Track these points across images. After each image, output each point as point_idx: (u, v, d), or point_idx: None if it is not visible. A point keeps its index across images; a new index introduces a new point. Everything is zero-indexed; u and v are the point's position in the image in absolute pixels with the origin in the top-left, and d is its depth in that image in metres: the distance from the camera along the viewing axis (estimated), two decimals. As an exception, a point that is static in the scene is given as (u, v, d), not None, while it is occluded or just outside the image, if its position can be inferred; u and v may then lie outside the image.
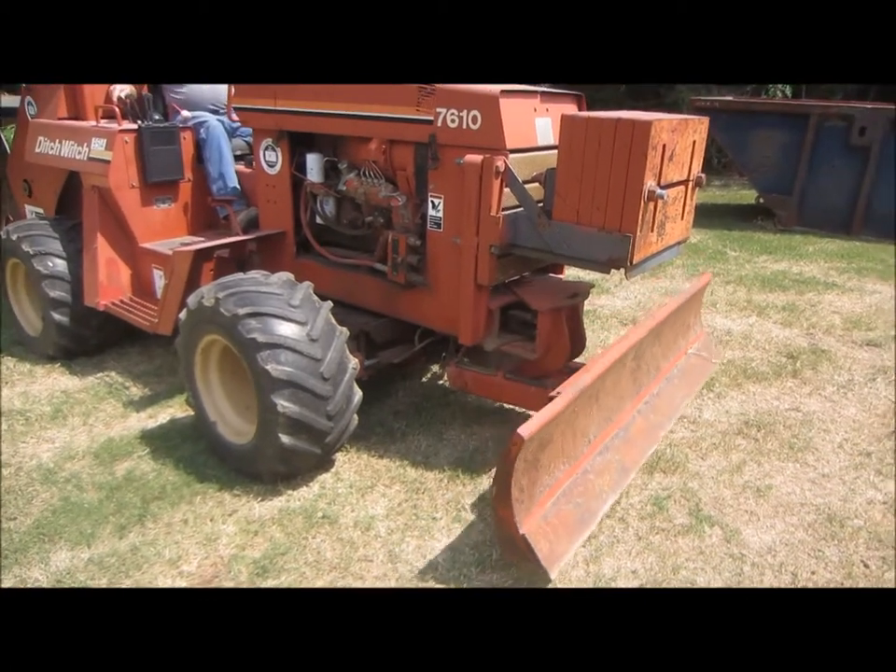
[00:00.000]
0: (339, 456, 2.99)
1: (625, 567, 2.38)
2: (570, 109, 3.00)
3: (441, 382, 3.78)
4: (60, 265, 3.79)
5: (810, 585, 2.33)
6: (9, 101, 5.41)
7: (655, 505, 2.71)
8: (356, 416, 2.81)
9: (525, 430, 1.99)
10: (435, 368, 3.90)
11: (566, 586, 2.29)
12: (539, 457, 2.17)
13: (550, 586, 2.27)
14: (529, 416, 3.37)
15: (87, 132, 3.67)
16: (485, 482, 2.84)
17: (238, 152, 4.00)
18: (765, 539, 2.55)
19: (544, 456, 2.21)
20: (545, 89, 2.88)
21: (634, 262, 2.39)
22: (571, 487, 2.38)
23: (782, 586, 2.33)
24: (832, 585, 2.32)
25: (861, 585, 2.33)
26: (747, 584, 2.32)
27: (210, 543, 2.47)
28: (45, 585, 2.26)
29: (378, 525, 2.58)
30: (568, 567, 2.36)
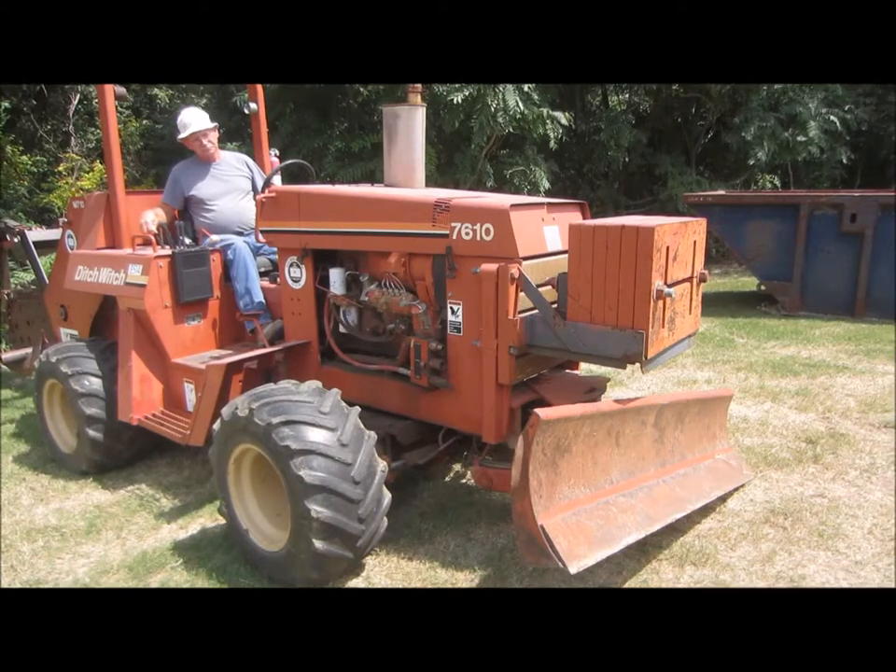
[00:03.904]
0: (369, 560, 3.01)
1: (665, 664, 2.35)
2: (575, 217, 3.21)
3: (463, 481, 3.82)
4: (96, 383, 3.96)
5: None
6: (43, 234, 5.75)
7: (689, 598, 2.70)
8: (385, 519, 2.85)
9: (542, 412, 2.07)
10: (457, 467, 3.95)
11: None
12: (557, 461, 2.22)
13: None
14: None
15: (124, 259, 3.93)
16: (516, 580, 2.84)
17: (262, 269, 4.24)
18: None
19: (563, 464, 2.27)
20: (550, 200, 3.11)
21: (648, 357, 2.51)
22: (592, 510, 2.42)
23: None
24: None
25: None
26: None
27: (246, 655, 2.46)
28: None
29: (412, 630, 2.57)
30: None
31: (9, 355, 5.66)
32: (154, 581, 2.94)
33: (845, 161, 11.58)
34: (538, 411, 2.11)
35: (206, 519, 3.47)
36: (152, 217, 4.16)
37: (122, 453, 4.08)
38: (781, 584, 2.77)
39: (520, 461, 2.14)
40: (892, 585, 2.75)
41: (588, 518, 2.37)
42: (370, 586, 2.84)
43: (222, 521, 3.13)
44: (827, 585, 2.76)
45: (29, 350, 5.58)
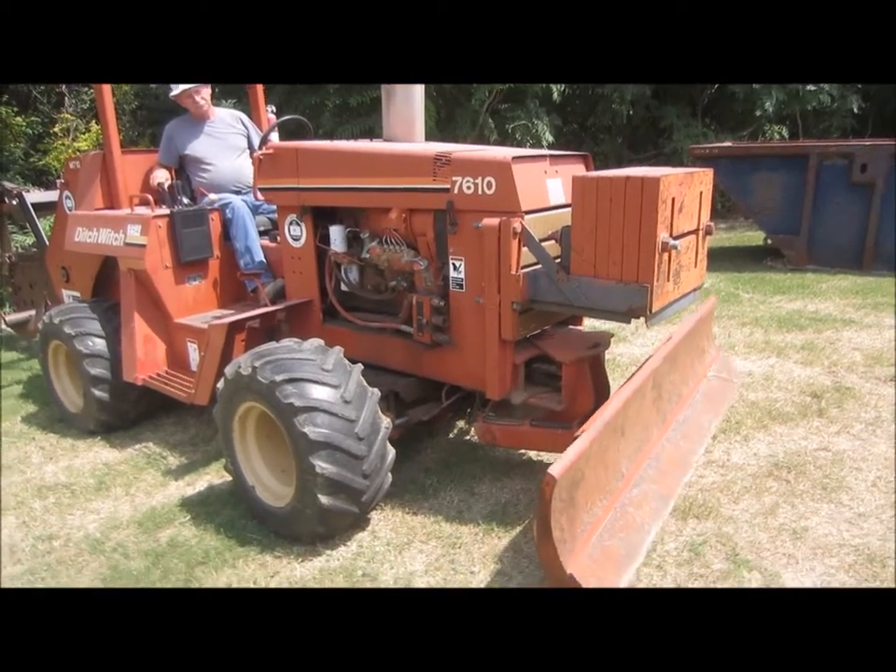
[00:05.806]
0: (374, 515, 3.05)
1: (667, 613, 2.38)
2: (578, 169, 3.14)
3: (467, 437, 3.84)
4: (99, 344, 3.97)
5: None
6: (41, 196, 5.70)
7: (692, 551, 2.71)
8: (390, 474, 2.88)
9: (555, 469, 2.03)
10: (461, 423, 3.97)
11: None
12: (574, 496, 2.20)
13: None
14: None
15: (122, 219, 3.88)
16: (520, 534, 2.87)
17: (262, 228, 4.20)
18: (806, 582, 2.52)
19: (579, 494, 2.24)
20: (553, 152, 3.04)
21: (653, 311, 2.49)
22: (612, 523, 2.40)
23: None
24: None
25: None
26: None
27: (255, 607, 2.51)
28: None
29: (417, 581, 2.61)
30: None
31: (13, 317, 5.69)
32: (163, 536, 2.99)
33: (856, 110, 11.30)
34: (550, 471, 2.02)
35: (213, 476, 3.51)
36: (165, 174, 4.22)
37: (128, 412, 4.11)
38: (784, 536, 2.80)
39: (540, 519, 2.07)
40: (893, 537, 2.78)
41: (610, 536, 2.35)
42: (375, 540, 2.89)
43: (229, 477, 3.17)
44: (829, 537, 2.79)
45: (32, 312, 5.60)
